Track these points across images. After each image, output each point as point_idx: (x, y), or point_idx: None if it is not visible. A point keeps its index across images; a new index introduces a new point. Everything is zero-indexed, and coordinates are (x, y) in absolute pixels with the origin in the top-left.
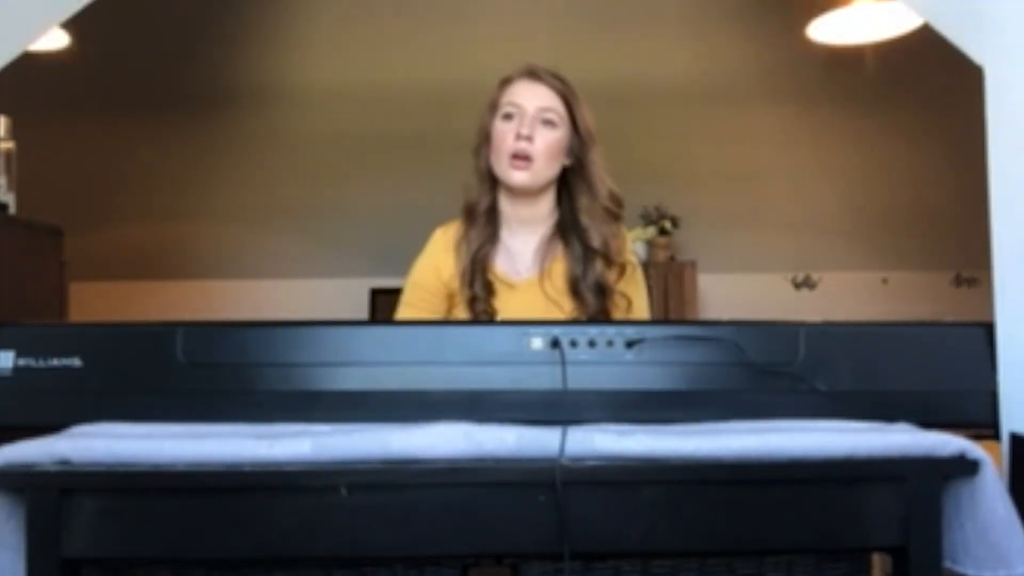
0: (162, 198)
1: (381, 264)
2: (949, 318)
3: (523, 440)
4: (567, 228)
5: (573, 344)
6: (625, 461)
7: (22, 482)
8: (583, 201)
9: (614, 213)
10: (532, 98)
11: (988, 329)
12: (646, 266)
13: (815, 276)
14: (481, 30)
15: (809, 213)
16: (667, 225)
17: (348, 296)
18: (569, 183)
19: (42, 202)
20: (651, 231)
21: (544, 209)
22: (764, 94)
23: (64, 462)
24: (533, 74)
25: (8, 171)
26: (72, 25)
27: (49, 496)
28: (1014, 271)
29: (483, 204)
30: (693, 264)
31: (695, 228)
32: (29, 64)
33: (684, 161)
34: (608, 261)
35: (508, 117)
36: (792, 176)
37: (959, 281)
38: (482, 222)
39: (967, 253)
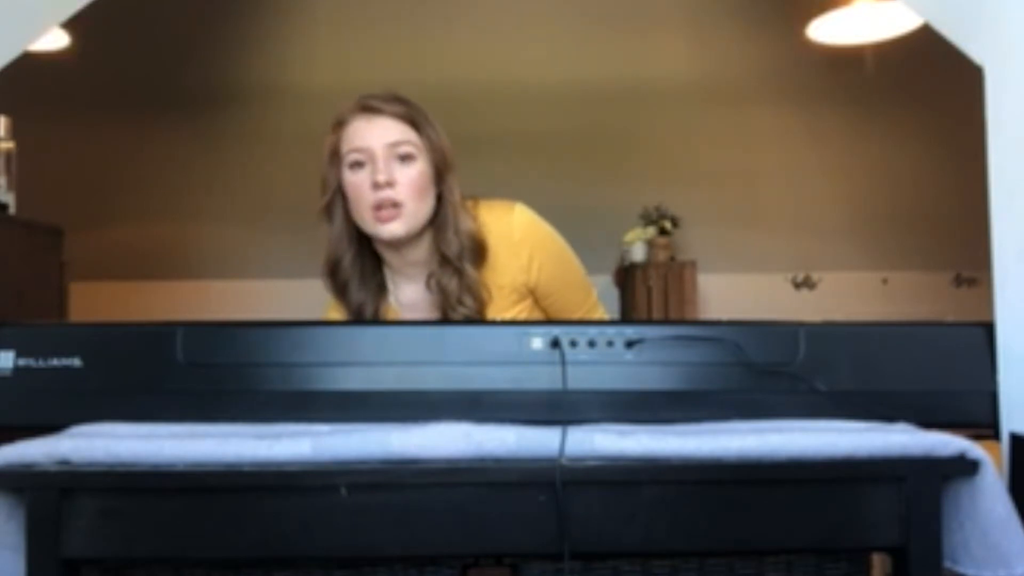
0: (162, 198)
1: None
2: (949, 318)
3: (523, 440)
4: (432, 274)
5: (573, 344)
6: (625, 461)
7: (22, 482)
8: (449, 236)
9: (479, 254)
10: (377, 136)
11: (988, 329)
12: (645, 266)
13: (815, 276)
14: (481, 31)
15: (809, 213)
16: (667, 225)
17: None
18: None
19: (42, 202)
20: (651, 231)
21: (426, 248)
22: (764, 94)
23: (64, 462)
24: (368, 108)
25: (8, 171)
26: (72, 25)
27: (49, 496)
28: (1014, 271)
29: (346, 263)
30: (693, 264)
31: (695, 228)
32: (29, 64)
33: (684, 161)
34: (475, 301)
35: (357, 165)
36: (792, 176)
37: (959, 281)
38: (356, 283)
39: (967, 253)
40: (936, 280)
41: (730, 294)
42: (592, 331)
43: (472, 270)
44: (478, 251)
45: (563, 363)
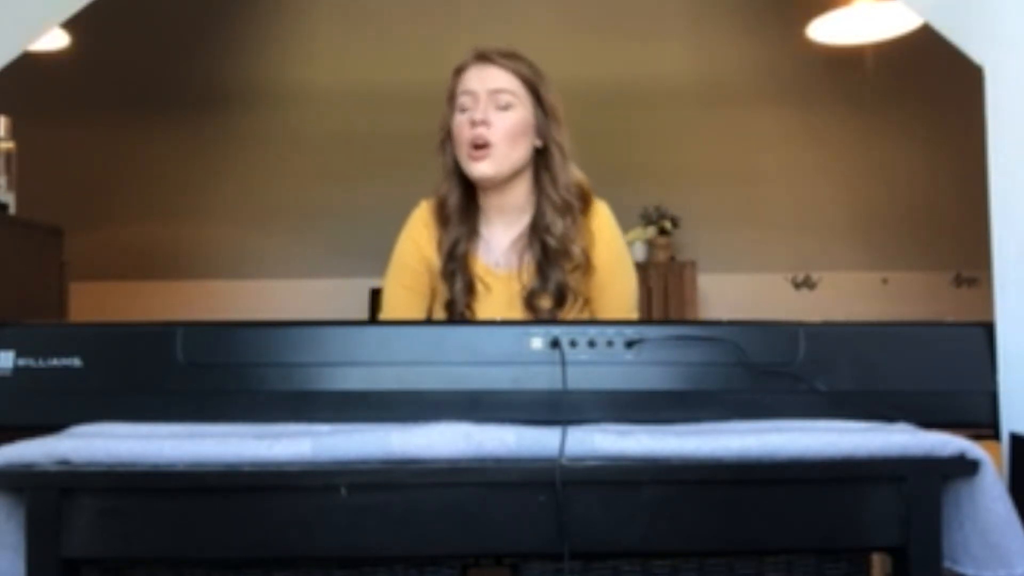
0: (162, 198)
1: (381, 264)
2: (949, 318)
3: (523, 440)
4: (535, 224)
5: (573, 344)
6: (625, 461)
7: (22, 482)
8: (546, 189)
9: (575, 204)
10: (483, 81)
11: (988, 329)
12: (645, 266)
13: (815, 276)
14: (481, 31)
15: (809, 213)
16: (667, 225)
17: (348, 296)
18: (536, 169)
19: (42, 202)
20: (651, 231)
21: (518, 198)
22: (764, 94)
23: (64, 462)
24: (482, 57)
25: (8, 171)
26: (72, 25)
27: (49, 496)
28: (1014, 271)
29: (452, 200)
30: (693, 264)
31: (695, 228)
32: (29, 64)
33: (684, 161)
34: (570, 261)
35: (464, 108)
36: (792, 176)
37: (959, 281)
38: (456, 219)
39: (967, 253)
40: (936, 280)
41: (730, 294)
42: (592, 331)
43: (567, 224)
44: (580, 200)
45: (563, 363)
